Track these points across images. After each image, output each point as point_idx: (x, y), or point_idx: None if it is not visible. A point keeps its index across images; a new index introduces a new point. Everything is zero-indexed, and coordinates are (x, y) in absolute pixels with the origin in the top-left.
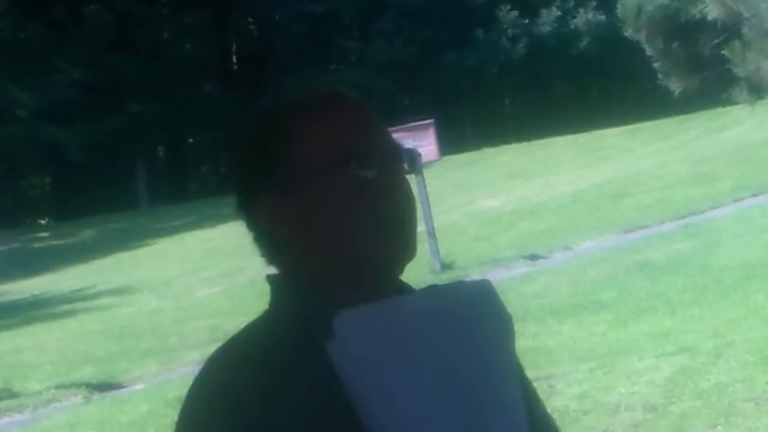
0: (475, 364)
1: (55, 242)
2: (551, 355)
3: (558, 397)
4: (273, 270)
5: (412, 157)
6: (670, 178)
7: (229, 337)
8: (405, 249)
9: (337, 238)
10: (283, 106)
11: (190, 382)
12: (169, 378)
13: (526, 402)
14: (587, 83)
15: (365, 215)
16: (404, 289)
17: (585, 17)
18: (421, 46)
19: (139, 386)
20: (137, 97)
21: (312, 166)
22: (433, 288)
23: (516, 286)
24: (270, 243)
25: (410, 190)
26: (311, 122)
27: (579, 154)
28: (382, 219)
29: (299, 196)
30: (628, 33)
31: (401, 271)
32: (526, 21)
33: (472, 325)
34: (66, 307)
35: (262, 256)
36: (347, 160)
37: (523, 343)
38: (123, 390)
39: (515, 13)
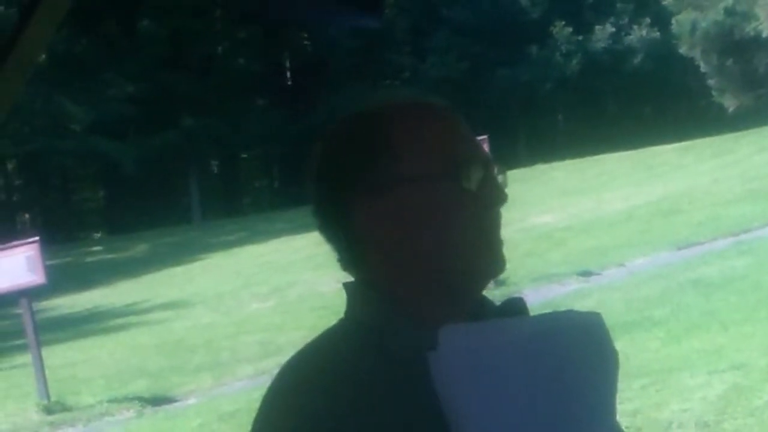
0: (575, 398)
1: (108, 256)
2: None
3: None
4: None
5: (501, 171)
6: (723, 195)
7: (280, 351)
8: (499, 264)
9: (435, 248)
10: (385, 107)
11: (242, 397)
12: (222, 392)
13: None
14: (641, 100)
15: (465, 228)
16: (485, 302)
17: (639, 34)
18: (474, 62)
19: (191, 400)
20: (190, 111)
21: (416, 171)
22: (542, 314)
23: (569, 302)
24: (354, 246)
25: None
26: (416, 127)
27: (632, 170)
28: (481, 233)
29: (399, 200)
30: (683, 50)
31: (486, 286)
32: (580, 37)
33: (577, 357)
34: (119, 321)
35: (339, 260)
36: (452, 170)
37: None
38: (176, 404)
39: (569, 29)
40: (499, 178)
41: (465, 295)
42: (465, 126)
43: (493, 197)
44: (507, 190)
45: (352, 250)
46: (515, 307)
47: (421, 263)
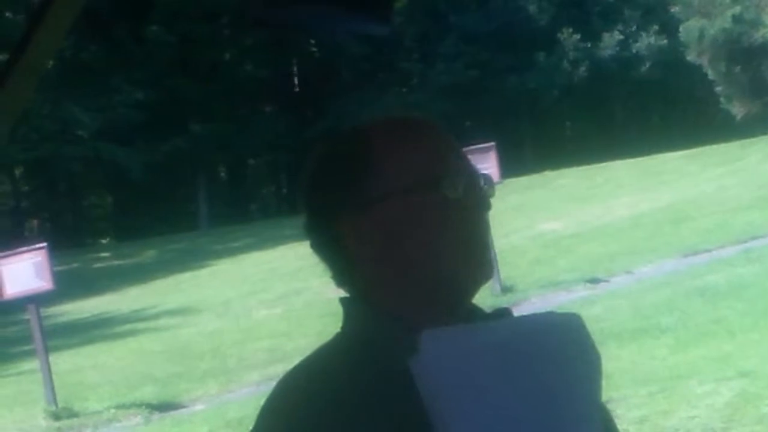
0: (557, 399)
1: (115, 262)
2: (611, 379)
3: (618, 421)
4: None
5: (488, 182)
6: (731, 202)
7: (287, 358)
8: (486, 270)
9: (421, 258)
10: (367, 126)
11: (249, 403)
12: (229, 399)
13: None
14: (649, 107)
15: (451, 236)
16: (476, 311)
17: (647, 41)
18: (482, 69)
19: (199, 407)
20: (198, 118)
21: (398, 185)
22: (521, 316)
23: (576, 309)
24: (345, 263)
25: (488, 213)
26: (396, 143)
27: (640, 177)
28: (467, 241)
29: (383, 215)
30: (691, 57)
31: (476, 293)
32: (588, 44)
33: (558, 358)
34: (126, 327)
35: (333, 277)
36: (434, 181)
37: None
38: (183, 410)
39: (577, 36)
40: (485, 188)
41: (455, 303)
42: (448, 139)
43: (476, 204)
44: (514, 197)
45: (343, 267)
46: (502, 315)
47: (408, 275)
